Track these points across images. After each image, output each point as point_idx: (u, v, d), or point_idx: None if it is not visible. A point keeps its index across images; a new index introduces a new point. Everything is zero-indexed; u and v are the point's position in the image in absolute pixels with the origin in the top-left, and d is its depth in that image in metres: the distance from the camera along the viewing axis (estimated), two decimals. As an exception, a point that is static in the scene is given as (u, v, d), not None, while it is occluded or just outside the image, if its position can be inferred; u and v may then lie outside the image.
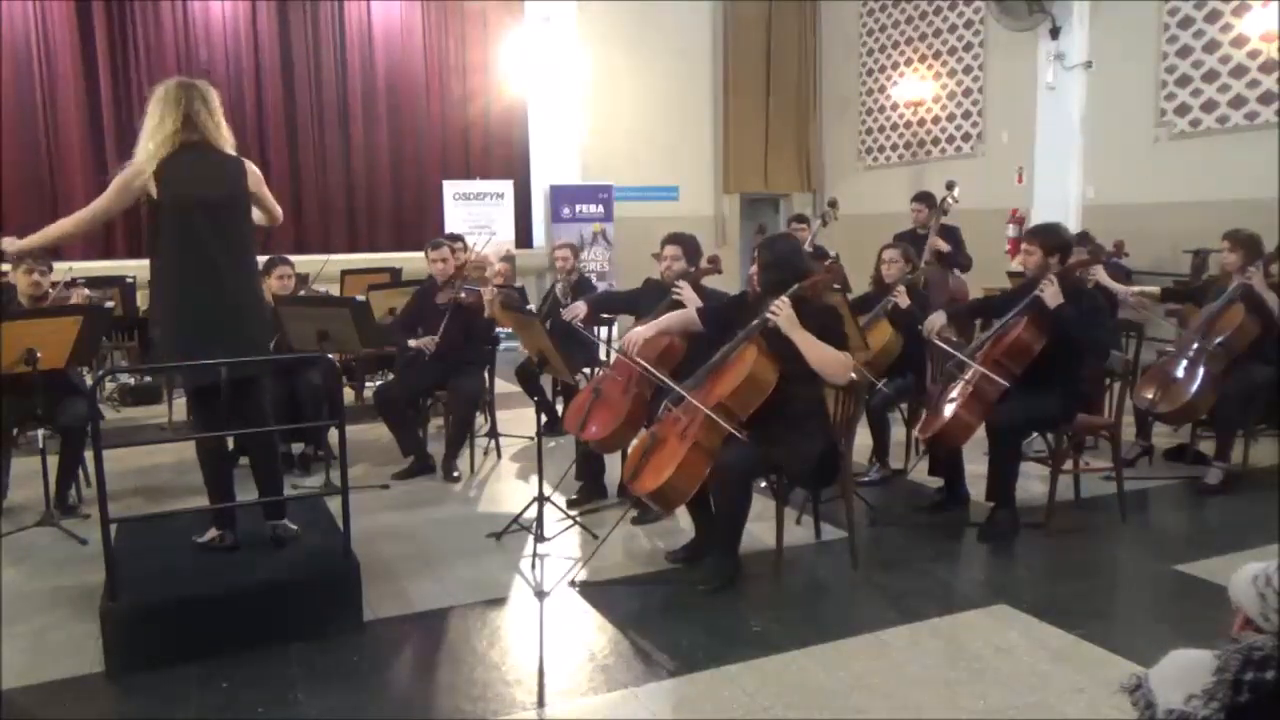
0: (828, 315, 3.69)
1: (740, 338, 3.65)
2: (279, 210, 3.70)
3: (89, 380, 4.96)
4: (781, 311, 3.56)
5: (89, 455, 4.39)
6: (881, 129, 11.42)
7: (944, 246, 6.22)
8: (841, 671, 2.97)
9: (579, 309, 4.83)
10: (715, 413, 3.51)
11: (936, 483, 4.67)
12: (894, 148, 11.25)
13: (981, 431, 4.22)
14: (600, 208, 11.07)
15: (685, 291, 4.38)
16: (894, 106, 11.12)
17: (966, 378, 4.25)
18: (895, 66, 11.07)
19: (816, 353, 3.54)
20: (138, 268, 8.54)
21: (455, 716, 2.77)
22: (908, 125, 10.96)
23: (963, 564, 4.05)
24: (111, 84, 10.14)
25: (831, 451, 3.76)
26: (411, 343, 5.45)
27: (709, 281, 4.64)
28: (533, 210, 11.69)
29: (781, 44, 12.18)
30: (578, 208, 11.02)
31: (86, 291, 5.98)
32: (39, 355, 4.28)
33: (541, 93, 11.41)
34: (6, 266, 5.10)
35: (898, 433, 5.30)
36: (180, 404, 6.78)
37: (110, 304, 5.97)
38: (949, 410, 4.19)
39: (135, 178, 3.32)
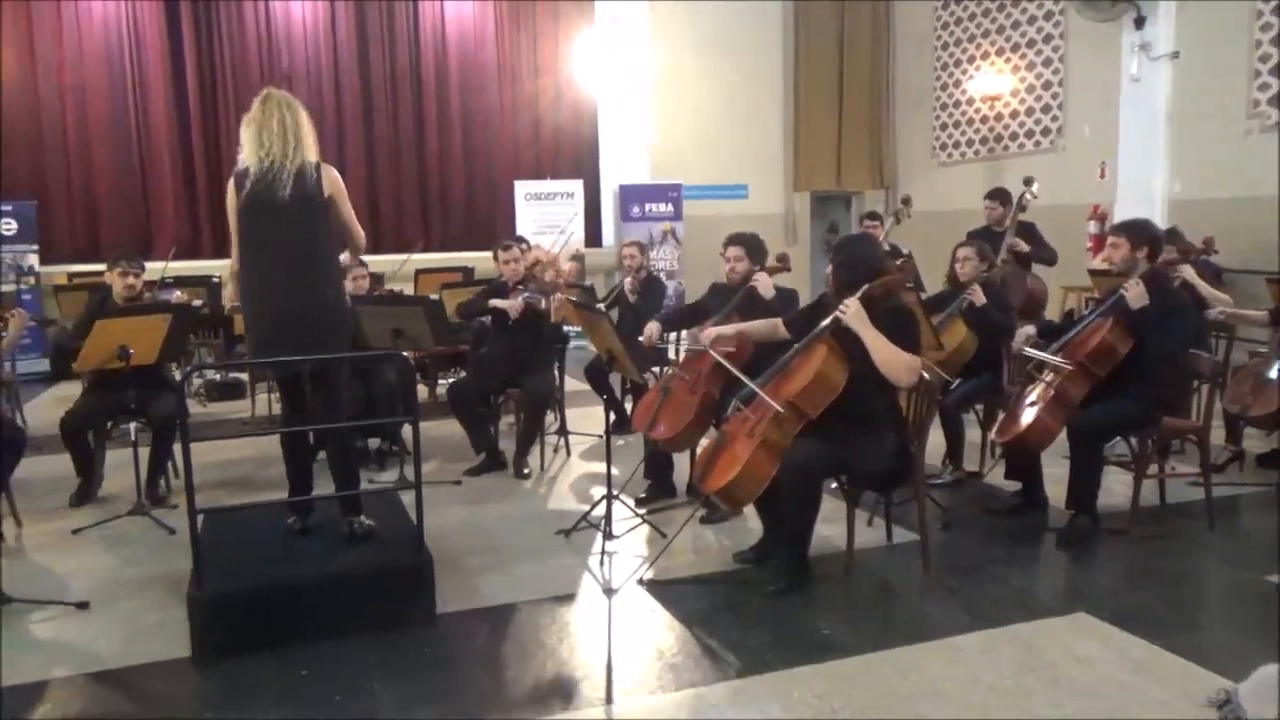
0: (900, 316, 3.64)
1: (810, 337, 3.63)
2: (361, 236, 3.81)
3: (177, 376, 5.15)
4: (849, 309, 3.53)
5: (177, 448, 4.59)
6: (956, 124, 11.18)
7: (1024, 246, 6.07)
8: (914, 676, 2.93)
9: (650, 331, 4.78)
10: (784, 412, 3.49)
11: (1013, 486, 4.56)
12: (969, 143, 11.01)
13: (1060, 433, 4.11)
14: (670, 206, 11.08)
15: (763, 280, 4.36)
16: (969, 101, 10.89)
17: (1047, 380, 4.14)
18: (971, 60, 10.83)
19: (884, 352, 3.49)
20: (223, 268, 8.86)
21: (525, 710, 2.81)
22: (984, 120, 10.72)
23: (1040, 570, 3.96)
24: (198, 84, 10.48)
25: (903, 453, 3.70)
26: (494, 302, 5.50)
27: (778, 280, 4.60)
28: (602, 209, 11.77)
29: (854, 39, 12.03)
30: (647, 207, 11.05)
31: (178, 293, 6.19)
32: (131, 352, 4.48)
33: (611, 92, 11.47)
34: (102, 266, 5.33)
35: (973, 434, 5.19)
36: (262, 399, 7.01)
37: (198, 303, 6.19)
38: (1029, 414, 4.09)
39: (230, 197, 3.54)
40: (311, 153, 3.56)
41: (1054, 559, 4.00)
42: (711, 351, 3.96)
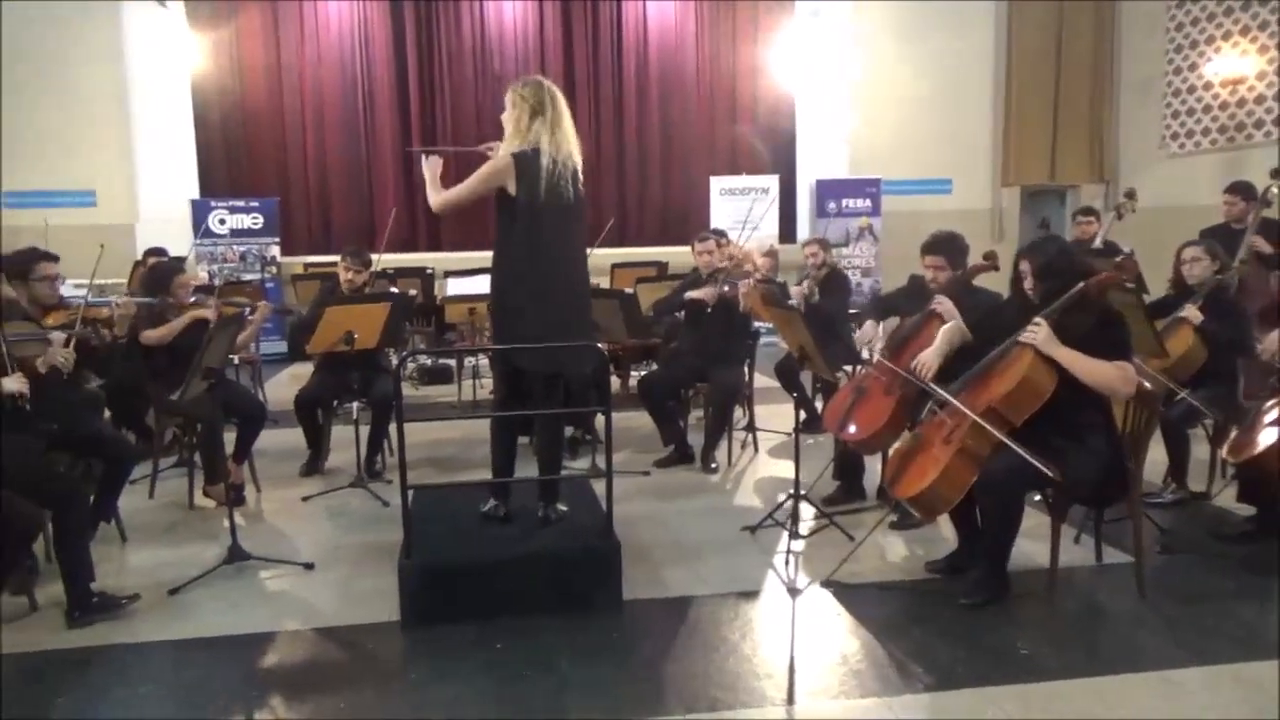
0: (1108, 318, 3.37)
1: (1012, 340, 3.44)
2: None
3: (394, 361, 5.55)
4: (1039, 333, 3.32)
5: (392, 428, 4.94)
6: (1190, 111, 10.24)
7: (1265, 247, 5.46)
8: (1121, 708, 2.73)
9: (870, 334, 4.55)
10: (985, 418, 3.33)
11: (1246, 510, 4.15)
12: (1205, 132, 10.05)
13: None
14: (867, 202, 10.80)
15: (944, 305, 4.12)
16: (1206, 86, 9.93)
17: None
18: (1210, 41, 9.87)
19: (1085, 368, 3.25)
20: (433, 260, 9.43)
21: (707, 703, 2.84)
22: (1223, 106, 9.75)
23: (1276, 606, 3.57)
24: (419, 85, 11.11)
25: (1117, 467, 3.44)
26: (690, 294, 5.54)
27: (984, 279, 4.36)
28: (797, 205, 11.62)
29: (1074, 22, 11.25)
30: (844, 202, 10.81)
31: (393, 288, 6.64)
32: (356, 336, 4.88)
33: (810, 87, 11.30)
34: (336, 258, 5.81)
35: (1200, 450, 4.74)
36: (468, 385, 7.43)
37: (413, 293, 6.63)
38: (1270, 433, 3.69)
39: (497, 172, 3.53)
40: (578, 149, 3.64)
41: (1294, 594, 3.61)
42: (927, 385, 3.72)
